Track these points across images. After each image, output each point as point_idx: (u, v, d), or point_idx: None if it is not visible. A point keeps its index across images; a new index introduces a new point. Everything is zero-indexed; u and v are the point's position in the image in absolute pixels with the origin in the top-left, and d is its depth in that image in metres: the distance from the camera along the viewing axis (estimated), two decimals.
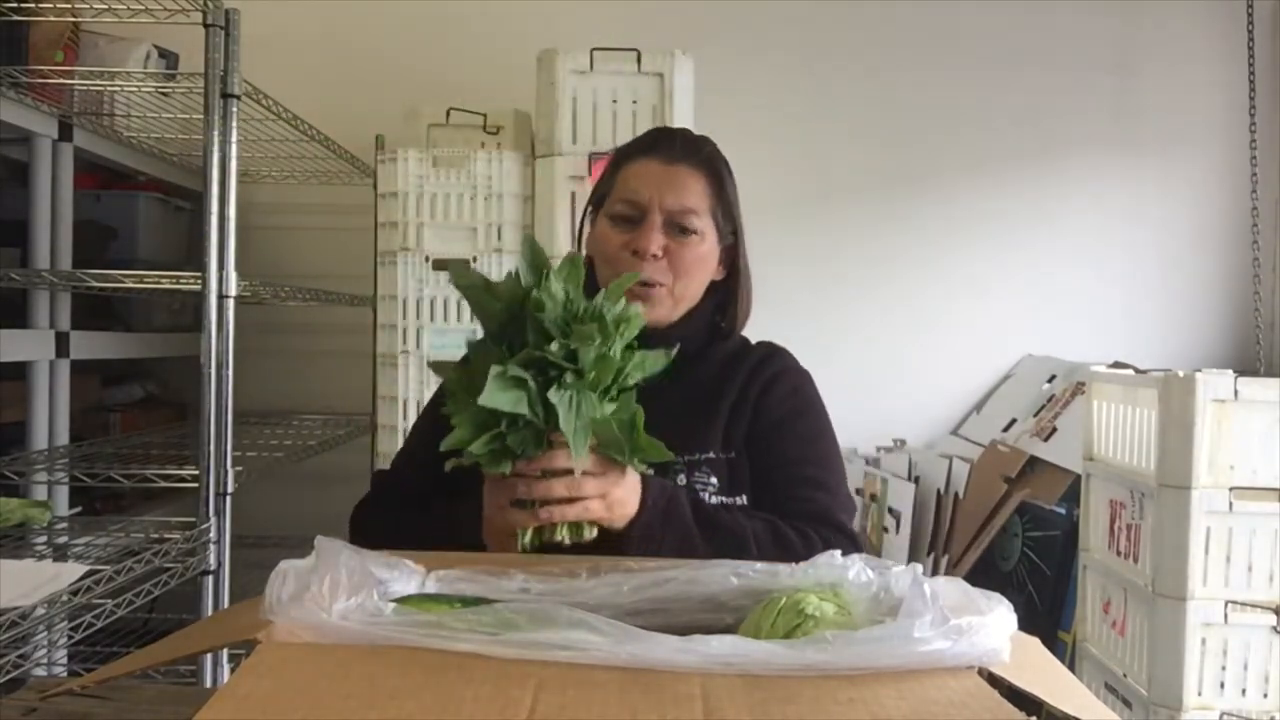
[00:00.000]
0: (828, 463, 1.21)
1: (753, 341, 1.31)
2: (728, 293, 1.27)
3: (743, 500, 1.17)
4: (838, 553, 0.93)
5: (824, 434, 1.23)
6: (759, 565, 0.90)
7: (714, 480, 1.16)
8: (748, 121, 2.91)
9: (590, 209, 1.30)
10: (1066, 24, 2.98)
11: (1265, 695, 1.90)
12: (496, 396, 0.92)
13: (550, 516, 0.98)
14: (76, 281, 1.96)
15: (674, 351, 1.05)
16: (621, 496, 1.01)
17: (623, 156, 1.27)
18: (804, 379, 1.27)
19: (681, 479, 1.15)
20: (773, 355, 1.27)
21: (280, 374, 2.87)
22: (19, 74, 1.97)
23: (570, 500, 0.99)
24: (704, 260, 1.22)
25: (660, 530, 1.04)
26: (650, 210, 1.19)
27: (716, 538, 1.07)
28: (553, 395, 0.93)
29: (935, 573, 2.46)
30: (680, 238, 1.19)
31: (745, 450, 1.19)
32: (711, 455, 1.16)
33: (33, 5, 1.98)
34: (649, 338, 1.13)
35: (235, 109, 1.85)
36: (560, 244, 2.29)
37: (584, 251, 1.29)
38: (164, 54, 2.41)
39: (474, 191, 2.35)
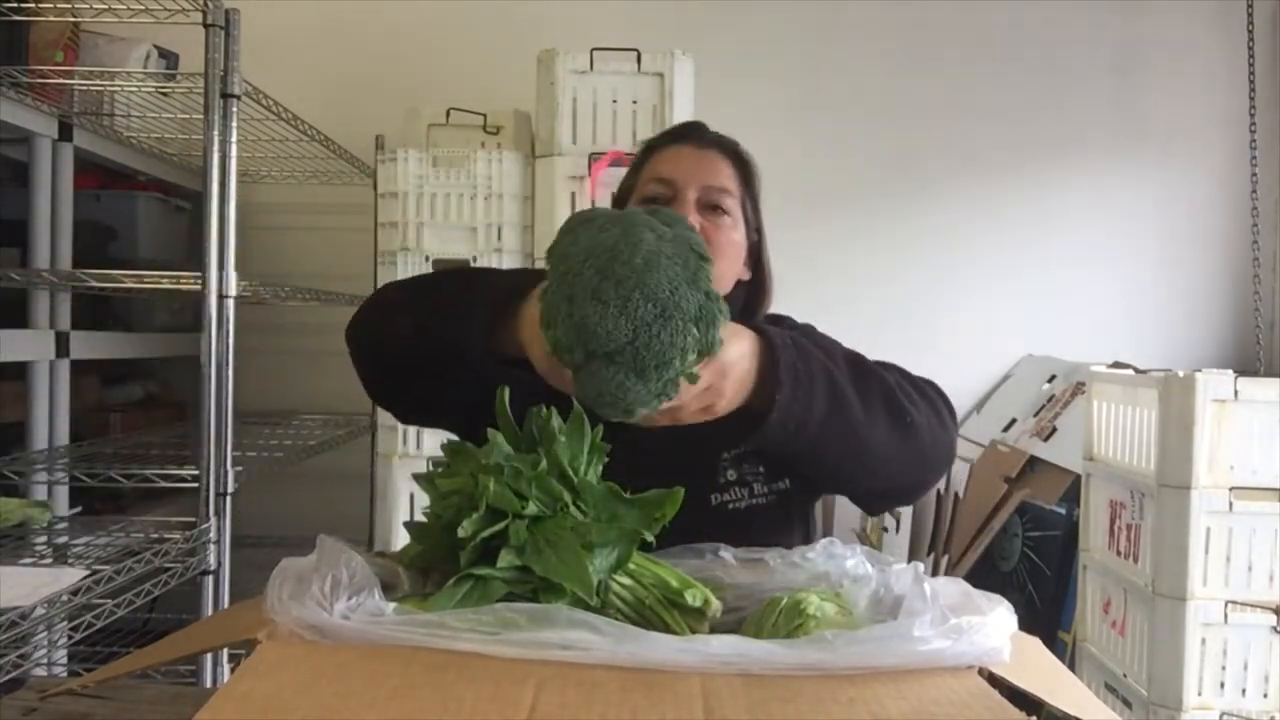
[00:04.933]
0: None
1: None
2: (755, 292, 1.24)
3: (786, 484, 1.15)
4: (836, 542, 0.93)
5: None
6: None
7: (761, 469, 1.14)
8: (747, 122, 2.90)
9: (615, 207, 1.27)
10: (1067, 24, 2.98)
11: (1265, 695, 1.90)
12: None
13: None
14: (76, 281, 1.96)
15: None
16: (726, 385, 0.90)
17: (652, 147, 1.26)
18: (809, 329, 1.25)
19: (731, 474, 1.13)
20: (777, 323, 1.23)
21: (280, 374, 2.87)
22: (19, 74, 1.97)
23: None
24: (737, 246, 1.20)
25: (807, 396, 0.95)
26: (685, 188, 1.18)
27: (860, 380, 1.01)
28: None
29: (935, 573, 2.46)
30: (714, 217, 1.17)
31: None
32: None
33: (33, 5, 1.98)
34: None
35: (235, 109, 1.85)
36: None
37: None
38: (164, 54, 2.41)
39: (474, 191, 2.35)
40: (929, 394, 1.10)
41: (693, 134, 1.25)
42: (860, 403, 0.99)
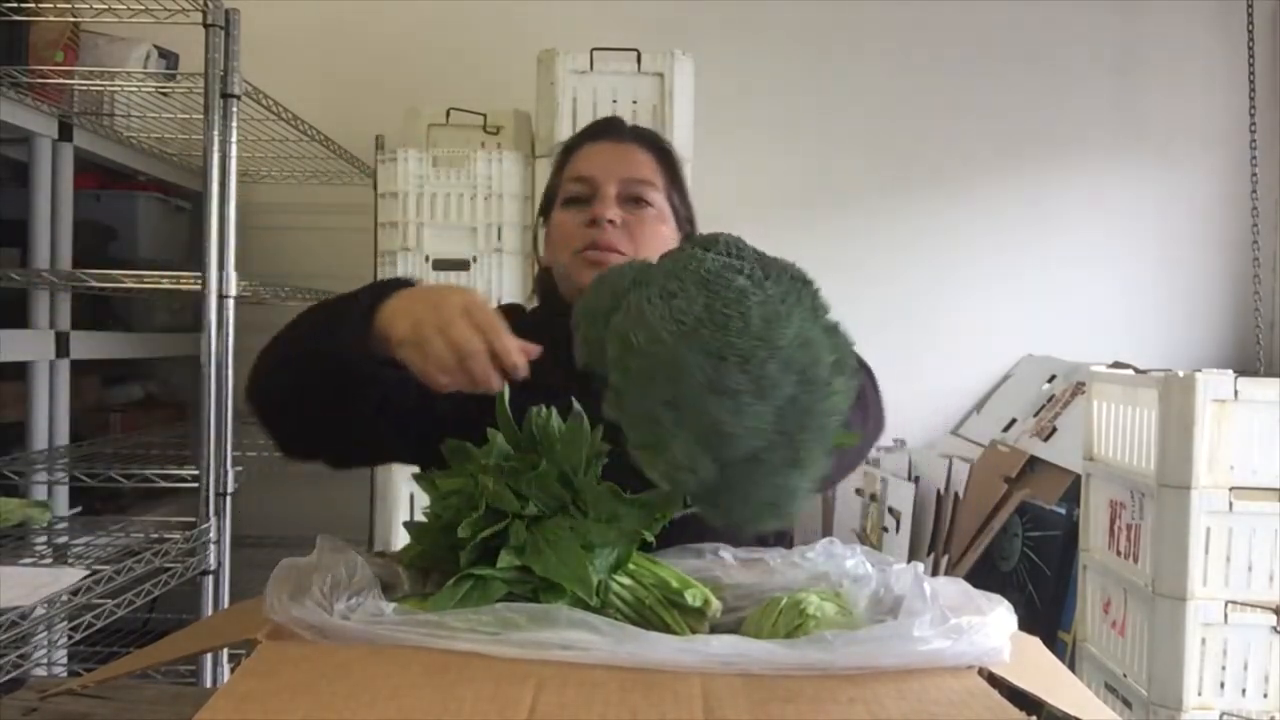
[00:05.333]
0: None
1: None
2: None
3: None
4: (836, 542, 0.93)
5: None
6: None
7: None
8: (747, 122, 2.91)
9: (541, 219, 1.25)
10: (1067, 24, 2.98)
11: (1265, 695, 1.90)
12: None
13: None
14: (76, 281, 1.96)
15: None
16: None
17: (569, 147, 1.24)
18: None
19: None
20: None
21: None
22: (19, 74, 1.97)
23: None
24: (664, 237, 1.15)
25: None
26: (603, 184, 1.15)
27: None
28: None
29: (935, 573, 2.46)
30: (636, 210, 1.15)
31: None
32: None
33: (33, 5, 1.98)
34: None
35: (235, 109, 1.85)
36: None
37: (540, 263, 1.24)
38: (164, 54, 2.41)
39: (474, 191, 2.35)
40: (869, 371, 1.07)
41: (610, 130, 1.23)
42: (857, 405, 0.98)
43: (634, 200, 1.15)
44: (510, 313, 1.19)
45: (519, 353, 0.87)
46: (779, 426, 0.64)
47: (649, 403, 0.65)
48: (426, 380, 0.86)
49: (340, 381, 0.96)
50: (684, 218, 1.21)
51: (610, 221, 1.12)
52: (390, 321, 0.90)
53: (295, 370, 1.01)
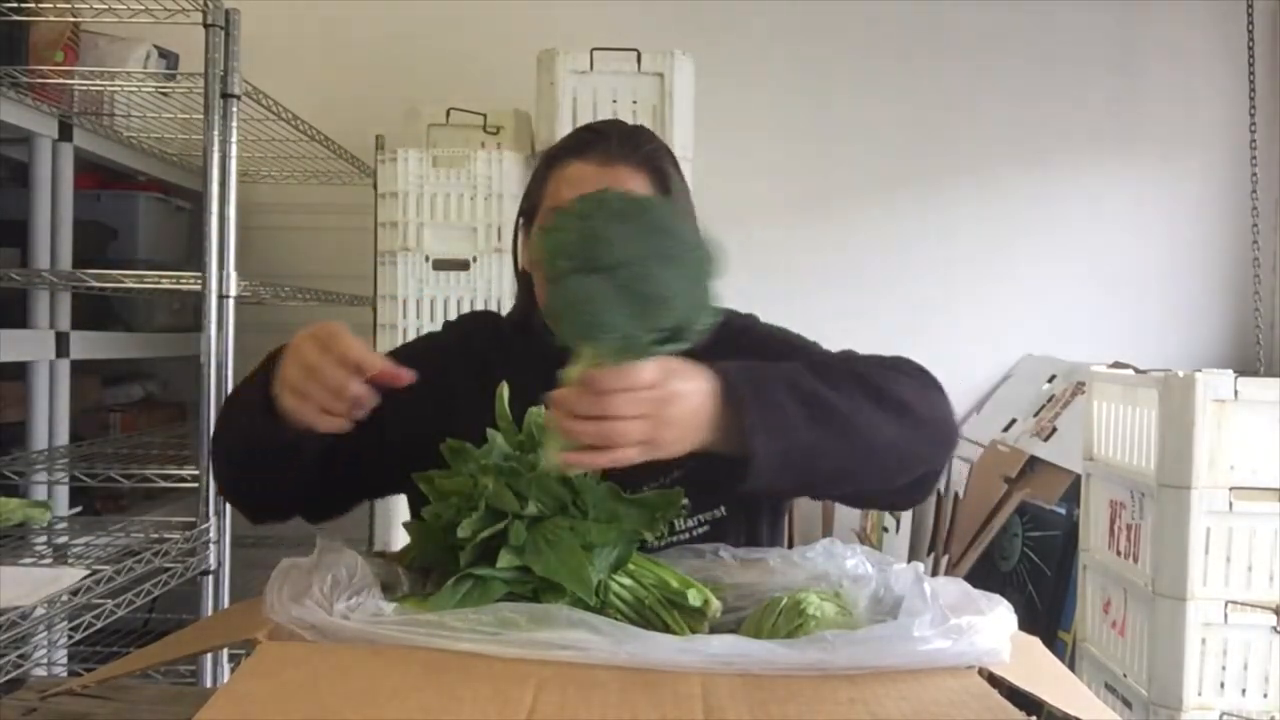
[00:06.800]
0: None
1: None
2: None
3: (721, 512, 1.05)
4: (836, 542, 0.93)
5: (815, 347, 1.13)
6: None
7: (685, 500, 0.95)
8: (747, 122, 2.90)
9: (521, 220, 1.17)
10: (1066, 23, 2.98)
11: (1265, 695, 1.90)
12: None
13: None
14: (76, 281, 1.96)
15: None
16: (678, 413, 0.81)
17: (552, 160, 1.13)
18: (750, 321, 1.18)
19: None
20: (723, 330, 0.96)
21: None
22: (19, 74, 1.97)
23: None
24: None
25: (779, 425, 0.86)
26: None
27: (828, 378, 0.93)
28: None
29: (935, 573, 2.46)
30: None
31: None
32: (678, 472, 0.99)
33: (33, 5, 1.98)
34: None
35: (235, 109, 1.85)
36: None
37: (520, 265, 1.18)
38: (164, 54, 2.40)
39: (474, 191, 2.34)
40: (905, 368, 1.04)
41: (596, 147, 1.10)
42: (842, 400, 0.91)
43: None
44: (482, 319, 1.23)
45: (384, 361, 0.88)
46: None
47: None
48: (322, 430, 0.88)
49: (273, 462, 0.99)
50: None
51: None
52: (281, 398, 0.91)
53: (236, 464, 1.06)
